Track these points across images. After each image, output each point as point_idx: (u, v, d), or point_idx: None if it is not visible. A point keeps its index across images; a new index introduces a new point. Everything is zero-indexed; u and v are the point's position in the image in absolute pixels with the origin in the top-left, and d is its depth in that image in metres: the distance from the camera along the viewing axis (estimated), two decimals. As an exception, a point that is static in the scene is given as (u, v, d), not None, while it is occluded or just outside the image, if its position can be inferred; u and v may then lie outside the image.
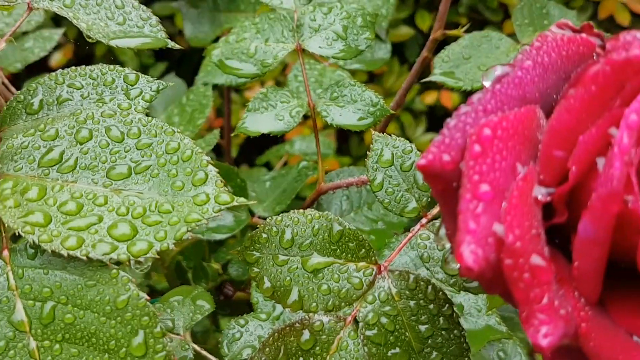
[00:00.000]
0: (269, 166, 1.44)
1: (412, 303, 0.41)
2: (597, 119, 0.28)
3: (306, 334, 0.41)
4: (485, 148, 0.30)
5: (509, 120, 0.30)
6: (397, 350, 0.40)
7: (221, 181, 0.38)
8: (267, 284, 0.42)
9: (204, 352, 0.60)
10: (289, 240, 0.43)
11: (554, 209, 0.31)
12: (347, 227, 0.43)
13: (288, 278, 0.42)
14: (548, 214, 0.31)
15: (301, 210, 0.44)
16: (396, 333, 0.40)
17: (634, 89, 0.28)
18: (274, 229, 0.43)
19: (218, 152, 1.71)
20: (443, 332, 0.41)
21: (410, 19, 1.95)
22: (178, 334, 0.61)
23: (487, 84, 0.33)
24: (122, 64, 1.75)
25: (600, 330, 0.29)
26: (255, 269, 0.43)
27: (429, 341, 0.41)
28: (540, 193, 0.29)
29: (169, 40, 0.59)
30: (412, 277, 0.42)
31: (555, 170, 0.29)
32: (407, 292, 0.41)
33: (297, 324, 0.41)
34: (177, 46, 0.60)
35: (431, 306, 0.41)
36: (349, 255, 0.42)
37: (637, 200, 0.26)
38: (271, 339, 0.41)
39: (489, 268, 0.28)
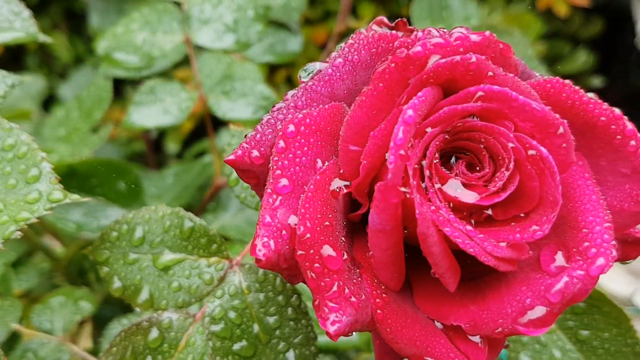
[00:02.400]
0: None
1: (261, 296, 0.43)
2: (387, 115, 0.31)
3: (154, 332, 0.42)
4: (288, 144, 0.32)
5: (313, 117, 0.32)
6: (244, 343, 0.42)
7: (56, 178, 0.39)
8: (117, 284, 0.43)
9: (83, 353, 0.61)
10: (140, 238, 0.44)
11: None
12: (198, 223, 0.44)
13: (138, 276, 0.43)
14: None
15: (153, 207, 0.45)
16: (243, 326, 0.42)
17: (417, 85, 0.30)
18: (125, 226, 0.44)
19: (157, 148, 1.70)
20: (291, 323, 0.43)
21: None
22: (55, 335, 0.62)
23: (305, 79, 0.35)
24: (55, 58, 1.71)
25: (398, 316, 0.31)
26: (105, 269, 0.44)
27: (277, 332, 0.42)
28: (337, 186, 0.31)
29: (40, 35, 0.59)
30: (261, 270, 0.43)
31: (352, 165, 0.31)
32: (257, 285, 0.43)
33: (145, 322, 0.42)
34: (50, 40, 0.60)
35: (279, 297, 0.43)
36: (201, 250, 0.44)
37: (412, 192, 0.28)
38: (118, 338, 0.43)
39: (284, 259, 0.30)
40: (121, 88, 1.45)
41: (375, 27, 0.36)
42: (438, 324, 0.32)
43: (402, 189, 0.29)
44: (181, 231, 0.44)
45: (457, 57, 0.29)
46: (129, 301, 0.43)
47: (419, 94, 0.29)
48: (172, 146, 1.70)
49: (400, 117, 0.29)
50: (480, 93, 0.30)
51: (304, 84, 0.34)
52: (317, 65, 0.35)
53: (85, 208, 0.77)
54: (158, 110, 0.70)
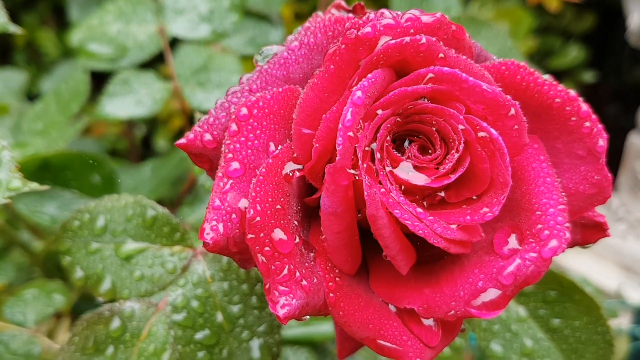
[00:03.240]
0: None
1: (225, 284, 0.43)
2: (339, 97, 0.31)
3: (116, 322, 0.42)
4: (240, 127, 0.31)
5: (266, 100, 0.32)
6: (207, 332, 0.42)
7: (16, 166, 0.39)
8: (79, 273, 0.43)
9: (56, 346, 0.61)
10: (102, 227, 0.44)
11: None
12: (161, 211, 0.44)
13: (100, 266, 0.43)
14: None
15: (116, 196, 0.45)
16: (206, 315, 0.42)
17: (368, 67, 0.30)
18: (87, 215, 0.44)
19: (147, 145, 1.69)
20: (255, 311, 0.43)
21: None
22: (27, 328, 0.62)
23: (261, 63, 0.35)
24: (43, 54, 1.70)
25: (351, 299, 0.31)
26: (67, 258, 0.44)
27: (241, 321, 0.43)
28: (291, 170, 0.31)
29: (10, 25, 0.59)
30: (225, 258, 0.43)
31: (306, 148, 0.31)
32: (221, 274, 0.43)
33: (106, 311, 0.42)
34: (19, 31, 0.60)
35: (244, 286, 0.43)
36: (164, 239, 0.44)
37: (361, 174, 0.29)
38: (80, 327, 0.42)
39: (233, 243, 0.30)
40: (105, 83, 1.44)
41: (334, 10, 0.36)
42: (392, 307, 0.33)
43: (351, 171, 0.29)
44: (144, 220, 0.44)
45: (407, 39, 0.29)
46: (91, 291, 0.43)
47: (369, 75, 0.29)
48: (161, 142, 1.69)
49: (349, 99, 0.29)
50: (430, 75, 0.30)
51: (259, 68, 0.34)
52: (274, 49, 0.35)
53: (59, 201, 0.77)
54: (131, 101, 0.70)
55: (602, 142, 0.31)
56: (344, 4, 0.36)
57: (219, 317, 0.42)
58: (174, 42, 0.82)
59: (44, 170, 0.77)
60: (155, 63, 0.89)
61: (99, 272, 0.43)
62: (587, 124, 0.31)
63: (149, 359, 0.41)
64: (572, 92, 0.31)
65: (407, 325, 0.32)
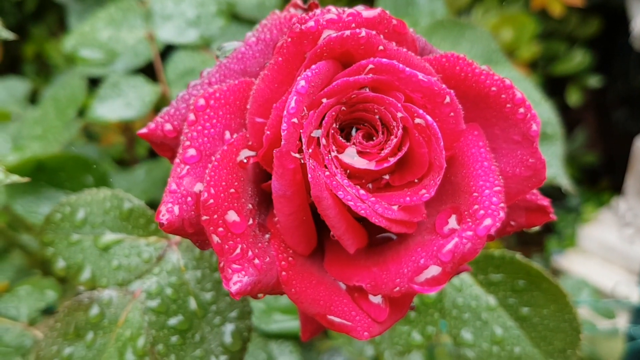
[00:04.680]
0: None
1: (198, 272, 0.46)
2: (288, 87, 0.33)
3: (95, 309, 0.45)
4: (198, 117, 0.34)
5: (223, 91, 0.35)
6: (180, 317, 0.44)
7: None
8: (61, 264, 0.46)
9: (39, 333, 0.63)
10: (82, 219, 0.47)
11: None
12: (137, 203, 0.47)
13: (81, 256, 0.46)
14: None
15: (95, 190, 0.47)
16: (180, 301, 0.45)
17: (313, 58, 0.32)
18: (68, 208, 0.47)
19: (154, 155, 1.73)
20: (227, 298, 0.45)
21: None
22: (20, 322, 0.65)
23: (221, 58, 0.38)
24: (52, 65, 1.74)
25: (303, 277, 0.34)
26: (51, 249, 0.46)
27: (213, 307, 0.45)
28: (245, 156, 0.34)
29: (2, 31, 0.62)
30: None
31: (259, 136, 0.34)
32: (194, 262, 0.46)
33: (86, 299, 0.45)
34: (12, 37, 0.63)
35: (216, 274, 0.46)
36: (140, 230, 0.47)
37: (305, 158, 0.31)
38: (62, 314, 0.45)
39: (189, 224, 0.33)
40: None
41: (291, 9, 0.39)
42: (343, 285, 0.35)
43: (296, 155, 0.31)
44: (121, 212, 0.47)
45: (347, 32, 0.32)
46: (72, 280, 0.46)
47: (313, 66, 0.32)
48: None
49: (294, 87, 0.31)
50: (370, 66, 0.32)
51: (219, 62, 0.37)
52: (234, 44, 0.38)
53: (54, 202, 0.79)
54: (121, 104, 0.73)
55: (536, 126, 0.33)
56: (300, 2, 0.39)
57: (192, 303, 0.45)
58: (169, 49, 0.85)
59: (39, 172, 0.80)
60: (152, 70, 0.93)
61: (80, 262, 0.46)
62: (521, 110, 0.33)
63: (126, 343, 0.44)
64: (507, 81, 0.34)
65: (357, 302, 0.34)
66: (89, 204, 0.47)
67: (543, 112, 0.78)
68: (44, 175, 0.79)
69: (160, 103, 0.77)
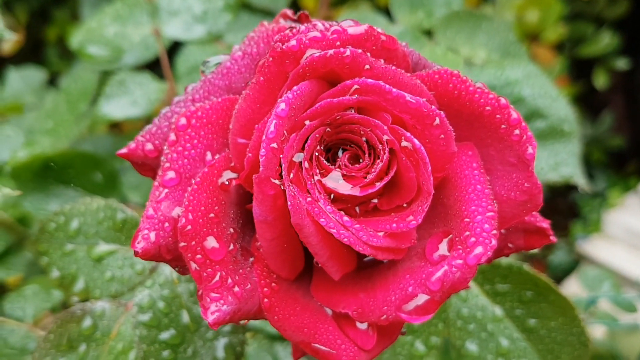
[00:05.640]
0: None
1: (191, 285, 0.45)
2: (271, 108, 0.32)
3: (88, 321, 0.45)
4: (178, 137, 0.33)
5: (205, 110, 0.34)
6: (172, 331, 0.44)
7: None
8: (56, 273, 0.46)
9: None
10: (76, 229, 0.46)
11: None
12: (130, 214, 0.46)
13: (74, 267, 0.45)
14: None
15: (88, 200, 0.47)
16: (172, 315, 0.44)
17: (295, 79, 0.31)
18: (62, 218, 0.46)
19: None
20: (220, 313, 0.44)
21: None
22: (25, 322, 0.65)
23: (207, 72, 0.37)
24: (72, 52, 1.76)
25: (287, 304, 0.33)
26: (45, 259, 0.46)
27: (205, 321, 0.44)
28: (228, 179, 0.33)
29: (5, 32, 0.62)
30: (191, 260, 0.45)
31: (242, 157, 0.32)
32: (188, 275, 0.45)
33: (78, 311, 0.45)
34: (14, 37, 0.63)
35: (209, 288, 0.45)
36: (134, 241, 0.46)
37: (285, 184, 0.30)
38: (54, 325, 0.45)
39: (166, 251, 0.32)
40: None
41: (281, 20, 0.37)
42: (329, 311, 0.34)
43: (276, 181, 0.30)
44: (114, 222, 0.46)
45: (331, 51, 0.30)
46: (66, 290, 0.46)
47: (295, 88, 0.30)
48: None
49: (274, 111, 0.30)
50: (355, 86, 0.31)
51: (204, 77, 0.36)
52: (220, 58, 0.37)
53: (63, 199, 0.80)
54: (127, 102, 0.72)
55: (531, 149, 0.31)
56: (290, 13, 0.37)
57: (185, 317, 0.44)
58: (177, 44, 0.84)
59: (47, 169, 0.80)
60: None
61: (73, 272, 0.45)
62: (517, 131, 0.32)
63: (118, 357, 0.44)
64: (503, 100, 0.32)
65: (343, 329, 0.33)
66: (82, 214, 0.46)
67: (560, 108, 0.75)
68: (52, 172, 0.79)
69: (168, 101, 0.76)
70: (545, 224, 0.35)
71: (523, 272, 0.52)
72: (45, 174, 0.79)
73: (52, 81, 1.33)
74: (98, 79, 0.97)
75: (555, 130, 0.74)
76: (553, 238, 0.36)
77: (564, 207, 2.38)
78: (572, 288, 1.89)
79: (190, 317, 0.44)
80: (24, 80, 1.27)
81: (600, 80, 2.37)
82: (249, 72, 0.35)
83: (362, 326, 0.33)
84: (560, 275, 2.02)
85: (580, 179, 0.74)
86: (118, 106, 0.72)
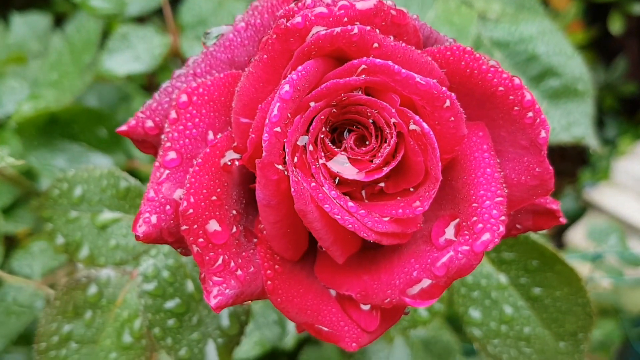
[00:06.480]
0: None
1: (196, 255, 0.44)
2: (275, 87, 0.30)
3: (93, 288, 0.45)
4: (179, 115, 0.32)
5: (206, 86, 0.32)
6: (177, 300, 0.44)
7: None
8: (61, 240, 0.46)
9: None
10: (80, 196, 0.46)
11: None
12: (134, 183, 0.45)
13: (79, 234, 0.45)
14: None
15: (91, 167, 0.46)
16: (176, 284, 0.44)
17: (300, 57, 0.29)
18: (65, 185, 0.46)
19: None
20: (224, 282, 0.44)
21: None
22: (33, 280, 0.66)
23: (208, 44, 0.35)
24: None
25: (290, 286, 0.32)
26: (50, 225, 0.46)
27: (211, 291, 0.44)
28: (230, 159, 0.32)
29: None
30: (195, 230, 0.45)
31: (245, 137, 0.31)
32: (192, 245, 0.45)
33: (84, 278, 0.45)
34: None
35: (214, 257, 0.44)
36: (137, 210, 0.45)
37: (289, 169, 0.29)
38: (60, 292, 0.45)
39: (168, 234, 0.31)
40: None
41: (286, -13, 0.36)
42: (333, 292, 0.33)
43: (279, 166, 0.29)
44: (117, 190, 0.45)
45: (338, 29, 0.29)
46: (71, 257, 0.46)
47: (299, 68, 0.29)
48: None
49: (277, 92, 0.29)
50: (363, 66, 0.29)
51: (206, 50, 0.34)
52: (222, 29, 0.35)
53: (69, 154, 0.79)
54: (130, 56, 0.70)
55: (545, 133, 0.30)
56: (295, -20, 0.35)
57: (190, 286, 0.44)
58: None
59: (52, 125, 0.79)
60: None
61: (78, 239, 0.45)
62: (530, 114, 0.30)
63: (124, 324, 0.44)
64: (517, 80, 0.30)
65: (346, 311, 0.33)
66: (85, 181, 0.46)
67: (575, 67, 0.72)
68: (57, 127, 0.78)
69: (171, 55, 0.74)
70: (555, 205, 0.35)
71: (529, 241, 0.51)
72: (50, 130, 0.78)
73: (59, 22, 1.30)
74: (101, 28, 0.95)
75: (569, 89, 0.72)
76: (563, 219, 0.35)
77: (573, 154, 2.36)
78: (578, 236, 1.89)
79: (195, 286, 0.44)
80: (28, 26, 1.25)
81: (616, 25, 2.31)
82: (253, 45, 0.34)
83: (366, 307, 0.33)
84: (567, 222, 2.02)
85: (592, 140, 0.72)
86: (121, 61, 0.71)
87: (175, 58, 0.74)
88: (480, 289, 0.52)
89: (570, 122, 0.72)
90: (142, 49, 0.71)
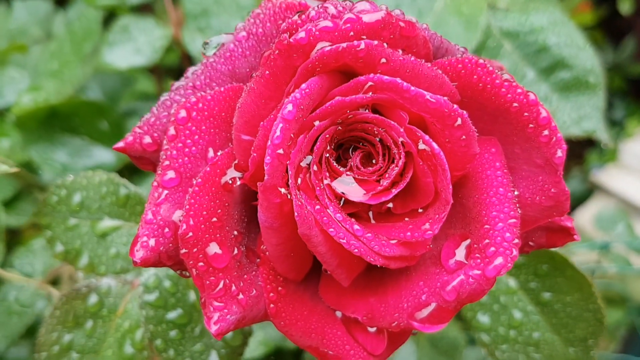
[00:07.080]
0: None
1: (198, 264, 0.43)
2: (277, 103, 0.29)
3: (93, 297, 0.44)
4: (178, 131, 0.30)
5: (206, 101, 0.31)
6: (180, 311, 0.43)
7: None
8: (60, 248, 0.45)
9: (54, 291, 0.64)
10: (79, 203, 0.44)
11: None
12: (133, 190, 0.44)
13: (78, 242, 0.44)
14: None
15: (90, 173, 0.45)
16: (178, 294, 0.43)
17: (304, 74, 0.28)
18: (64, 191, 0.45)
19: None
20: (227, 292, 0.43)
21: None
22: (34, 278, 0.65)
23: (208, 54, 0.34)
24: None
25: (294, 309, 0.31)
26: (49, 232, 0.45)
27: (213, 300, 0.43)
28: (232, 177, 0.30)
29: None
30: (197, 238, 0.44)
31: (246, 155, 0.30)
32: (194, 253, 0.43)
33: (84, 288, 0.44)
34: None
35: (216, 266, 0.43)
36: (137, 217, 0.44)
37: (292, 192, 0.27)
38: (61, 302, 0.44)
39: (167, 257, 0.30)
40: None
41: (289, -7, 0.34)
42: (338, 314, 0.32)
43: (282, 190, 0.28)
44: (117, 198, 0.44)
45: (343, 45, 0.27)
46: (71, 264, 0.45)
47: (303, 85, 0.27)
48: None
49: (280, 112, 0.27)
50: (370, 83, 0.28)
51: (205, 60, 0.33)
52: (222, 38, 0.33)
53: (70, 148, 0.78)
54: (131, 49, 0.69)
55: (561, 152, 0.29)
56: (299, -14, 0.33)
57: (192, 296, 0.43)
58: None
59: (52, 118, 0.78)
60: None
61: (77, 247, 0.44)
62: (546, 132, 0.29)
63: (125, 335, 0.43)
64: (532, 96, 0.29)
65: (352, 333, 0.32)
66: (85, 188, 0.44)
67: (587, 59, 0.70)
68: (57, 121, 0.77)
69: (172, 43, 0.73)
70: (569, 222, 0.33)
71: (540, 245, 0.50)
72: (50, 123, 0.77)
73: (62, 2, 1.28)
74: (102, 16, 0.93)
75: (580, 81, 0.70)
76: (577, 237, 0.34)
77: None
78: (585, 218, 1.88)
79: (197, 297, 0.43)
80: (28, 11, 1.23)
81: (625, 5, 2.26)
82: (255, 56, 0.32)
83: (372, 330, 0.32)
84: (574, 204, 2.00)
85: (603, 134, 0.70)
86: (122, 54, 0.69)
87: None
88: (489, 293, 0.51)
89: (581, 116, 0.70)
90: (142, 42, 0.69)
